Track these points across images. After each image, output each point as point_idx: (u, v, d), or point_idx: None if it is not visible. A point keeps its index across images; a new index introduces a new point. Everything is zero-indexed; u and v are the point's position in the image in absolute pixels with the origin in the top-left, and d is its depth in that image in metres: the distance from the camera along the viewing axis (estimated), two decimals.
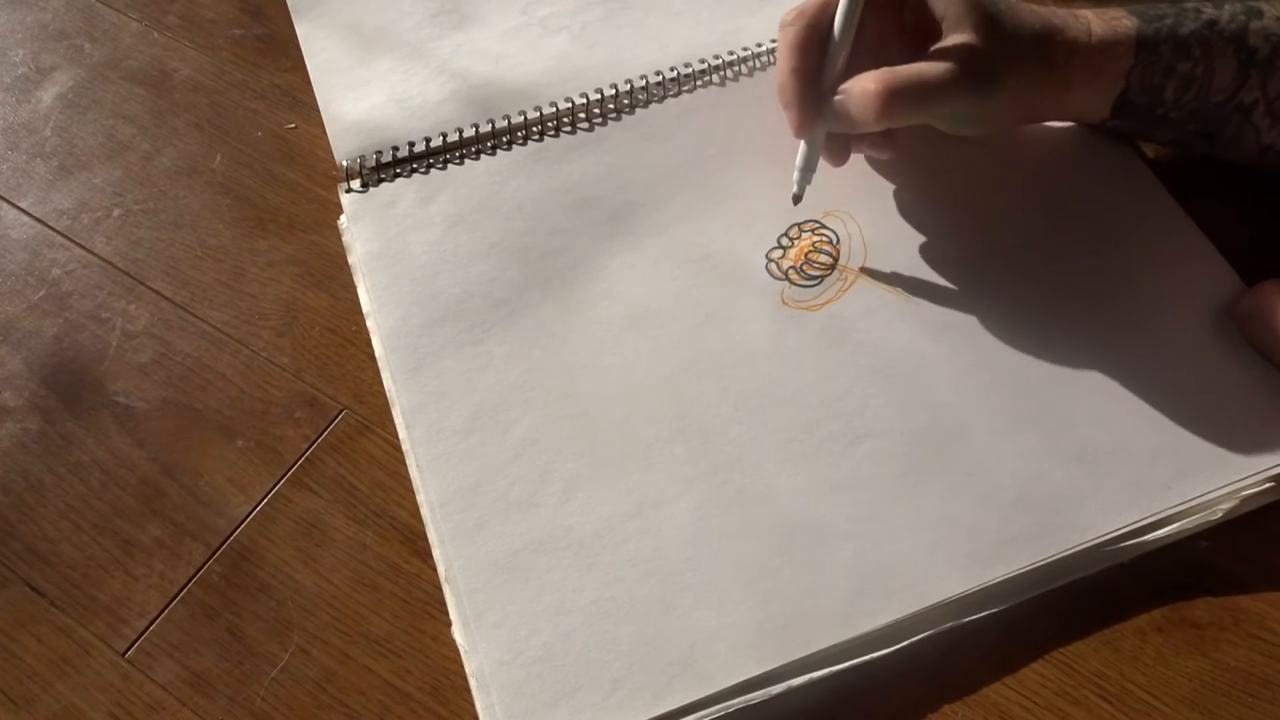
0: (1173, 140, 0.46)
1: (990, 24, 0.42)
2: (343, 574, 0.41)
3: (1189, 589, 0.39)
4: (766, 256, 0.47)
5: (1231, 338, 0.43)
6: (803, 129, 0.44)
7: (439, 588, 0.40)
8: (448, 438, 0.42)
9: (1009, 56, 0.42)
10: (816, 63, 0.43)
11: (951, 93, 0.42)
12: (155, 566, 0.41)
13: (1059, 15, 0.43)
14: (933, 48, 0.42)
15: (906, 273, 0.46)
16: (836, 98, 0.42)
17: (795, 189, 0.45)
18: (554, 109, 0.51)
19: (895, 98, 0.41)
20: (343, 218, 0.49)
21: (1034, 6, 0.44)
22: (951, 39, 0.42)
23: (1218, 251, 0.46)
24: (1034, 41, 0.42)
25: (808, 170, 0.45)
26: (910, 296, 0.45)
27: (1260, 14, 0.43)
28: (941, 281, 0.45)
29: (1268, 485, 0.40)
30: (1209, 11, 0.43)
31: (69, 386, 0.46)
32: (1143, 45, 0.43)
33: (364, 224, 0.48)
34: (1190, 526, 0.40)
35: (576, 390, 0.43)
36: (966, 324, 0.44)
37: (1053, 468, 0.41)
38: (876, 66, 0.42)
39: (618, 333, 0.45)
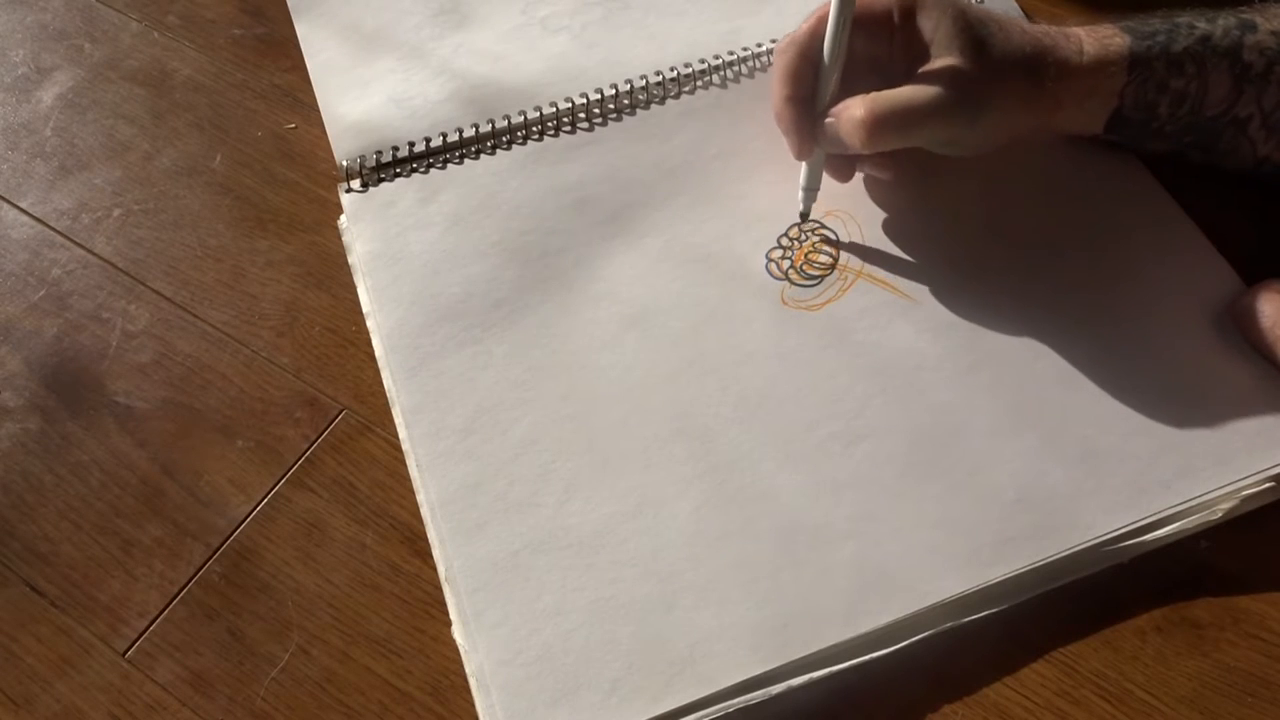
0: (1168, 152, 0.46)
1: (979, 47, 0.42)
2: (343, 574, 0.41)
3: (1189, 589, 0.39)
4: (766, 256, 0.47)
5: (1231, 338, 0.43)
6: (803, 153, 0.45)
7: (439, 588, 0.40)
8: (448, 437, 0.42)
9: (997, 80, 0.42)
10: (810, 88, 0.44)
11: (938, 118, 0.42)
12: (155, 566, 0.41)
13: (1050, 35, 0.43)
14: (919, 70, 0.42)
15: (906, 273, 0.46)
16: (828, 121, 0.43)
17: (801, 207, 0.46)
18: (554, 109, 0.51)
19: (881, 124, 0.41)
20: (343, 218, 0.49)
21: (1025, 26, 0.43)
22: (938, 63, 0.42)
23: (1217, 251, 0.46)
24: (1024, 63, 0.42)
25: (811, 190, 0.46)
26: (910, 296, 0.45)
27: (1254, 27, 0.43)
28: (941, 281, 0.45)
29: (1268, 485, 0.40)
30: (1202, 27, 0.43)
31: (69, 386, 0.46)
32: (1136, 63, 0.43)
33: (364, 224, 0.48)
34: (1190, 526, 0.40)
35: (576, 390, 0.43)
36: (966, 324, 0.44)
37: (1053, 468, 0.41)
38: (870, 88, 0.42)
39: (617, 332, 0.45)
